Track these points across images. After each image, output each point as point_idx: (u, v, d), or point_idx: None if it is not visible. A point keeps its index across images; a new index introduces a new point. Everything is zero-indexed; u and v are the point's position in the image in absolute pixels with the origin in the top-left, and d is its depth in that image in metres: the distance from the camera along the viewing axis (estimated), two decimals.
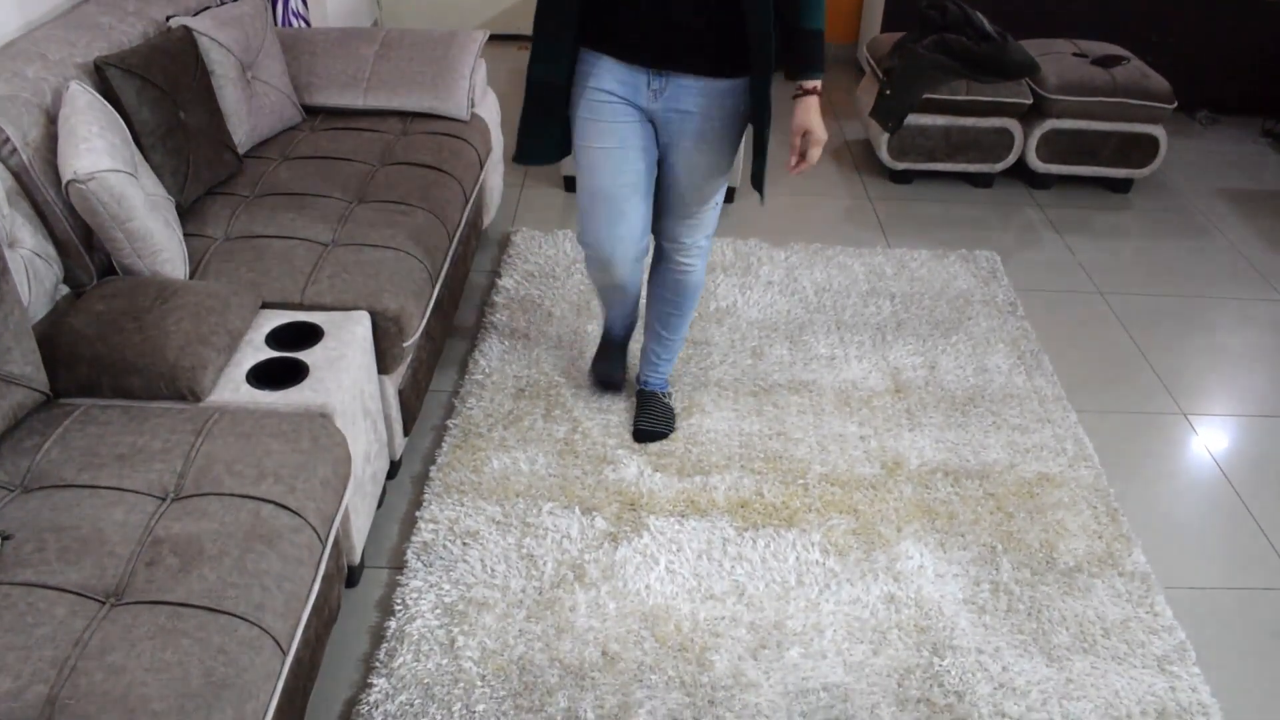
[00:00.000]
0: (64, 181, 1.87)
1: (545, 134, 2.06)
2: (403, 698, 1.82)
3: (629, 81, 1.97)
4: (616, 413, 2.54)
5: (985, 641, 1.99)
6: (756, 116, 1.99)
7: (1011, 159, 3.86)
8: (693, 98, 1.97)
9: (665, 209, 2.19)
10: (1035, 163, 3.88)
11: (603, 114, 2.00)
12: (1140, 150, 3.85)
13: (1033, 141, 3.82)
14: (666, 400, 2.53)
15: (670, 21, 1.89)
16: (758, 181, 2.09)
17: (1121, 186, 3.99)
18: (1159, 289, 3.34)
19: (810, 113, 1.98)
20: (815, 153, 2.01)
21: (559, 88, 2.00)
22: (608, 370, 2.59)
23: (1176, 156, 4.37)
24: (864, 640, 1.98)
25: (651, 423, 2.48)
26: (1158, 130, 3.81)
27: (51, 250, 1.95)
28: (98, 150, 1.88)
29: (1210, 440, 2.64)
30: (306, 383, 1.84)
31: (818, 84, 1.96)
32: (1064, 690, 1.91)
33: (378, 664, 1.89)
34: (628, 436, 2.47)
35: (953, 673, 1.93)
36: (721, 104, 1.98)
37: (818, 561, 2.15)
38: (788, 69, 1.96)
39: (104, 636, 1.31)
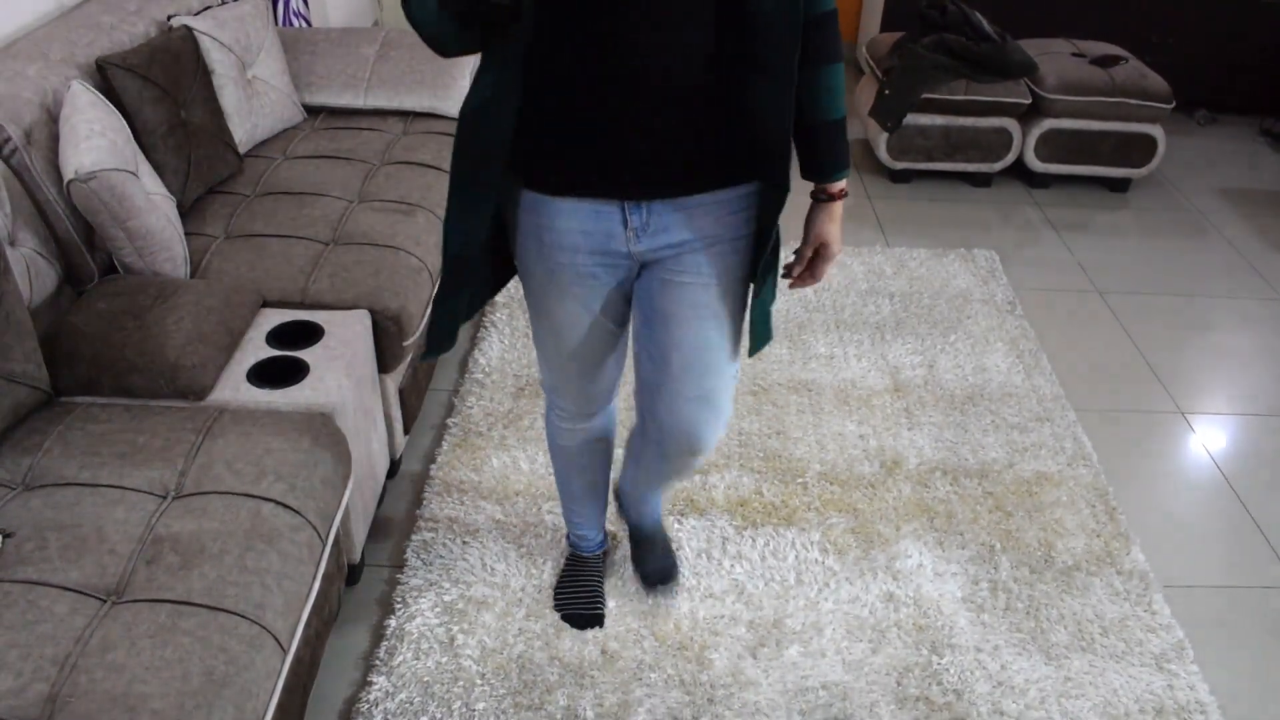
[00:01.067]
0: (65, 180, 1.87)
1: (456, 312, 1.53)
2: (402, 696, 1.83)
3: (597, 228, 1.44)
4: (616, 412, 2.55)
5: (984, 640, 2.00)
6: (761, 231, 1.49)
7: (1010, 158, 3.87)
8: (684, 223, 1.45)
9: (668, 392, 1.58)
10: (1034, 162, 3.88)
11: (561, 276, 1.50)
12: (1139, 150, 3.86)
13: (1031, 141, 3.83)
14: (664, 533, 2.11)
15: (650, 129, 1.35)
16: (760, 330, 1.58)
17: (1120, 186, 3.99)
18: (1157, 288, 3.34)
19: (832, 222, 1.53)
20: (825, 270, 1.56)
21: (477, 259, 1.49)
22: (585, 599, 2.02)
23: (1175, 156, 4.38)
24: (863, 639, 1.99)
25: (659, 560, 2.06)
26: (1156, 130, 3.82)
27: (53, 249, 1.95)
28: (99, 149, 1.89)
29: (1208, 439, 2.65)
30: (307, 381, 1.84)
31: (844, 185, 1.51)
32: (1062, 688, 1.91)
33: (378, 662, 1.89)
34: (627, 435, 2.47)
35: (951, 671, 1.93)
36: (725, 221, 1.48)
37: (817, 560, 2.15)
38: (805, 168, 1.50)
39: (105, 634, 1.32)
